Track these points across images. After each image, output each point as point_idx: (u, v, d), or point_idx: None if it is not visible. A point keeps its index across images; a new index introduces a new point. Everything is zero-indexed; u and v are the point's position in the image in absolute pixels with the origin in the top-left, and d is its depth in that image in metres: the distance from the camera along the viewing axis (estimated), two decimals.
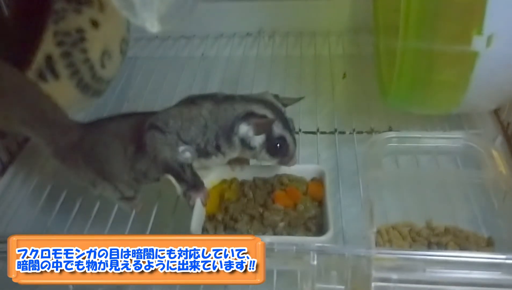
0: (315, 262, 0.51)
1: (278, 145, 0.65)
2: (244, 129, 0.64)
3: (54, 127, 0.70)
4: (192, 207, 0.66)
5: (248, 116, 0.64)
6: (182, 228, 0.66)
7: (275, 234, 0.64)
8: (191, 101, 0.67)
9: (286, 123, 0.66)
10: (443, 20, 0.64)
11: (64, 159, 0.70)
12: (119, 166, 0.68)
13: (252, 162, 0.72)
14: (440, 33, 0.65)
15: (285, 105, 0.68)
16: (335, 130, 0.86)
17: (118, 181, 0.69)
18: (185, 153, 0.65)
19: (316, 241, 0.61)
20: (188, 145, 0.65)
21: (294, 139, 0.66)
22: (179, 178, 0.66)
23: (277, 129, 0.65)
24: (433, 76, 0.68)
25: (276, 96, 0.68)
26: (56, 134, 0.70)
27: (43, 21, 0.77)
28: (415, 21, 0.65)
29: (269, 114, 0.64)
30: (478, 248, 0.61)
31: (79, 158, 0.69)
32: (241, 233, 0.64)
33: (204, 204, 0.68)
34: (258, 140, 0.65)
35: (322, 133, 0.86)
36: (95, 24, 0.82)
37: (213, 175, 0.71)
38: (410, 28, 0.65)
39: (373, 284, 0.50)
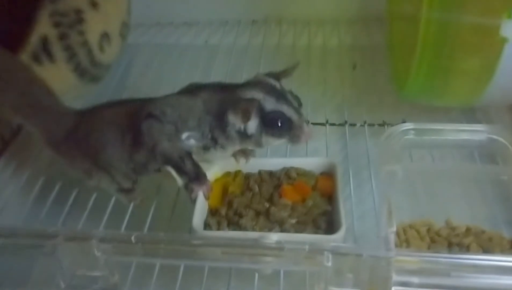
0: (330, 263, 0.47)
1: (277, 122, 0.60)
2: (232, 118, 0.60)
3: (48, 114, 0.67)
4: (193, 201, 0.64)
5: (234, 104, 0.59)
6: (183, 223, 0.63)
7: (282, 231, 0.61)
8: (190, 90, 0.64)
9: (281, 96, 0.60)
10: (470, 2, 0.60)
11: (58, 148, 0.68)
12: (116, 154, 0.64)
13: (258, 154, 0.69)
14: (466, 17, 0.61)
15: (277, 79, 0.63)
16: (345, 122, 0.83)
17: (115, 170, 0.66)
18: (190, 140, 0.62)
19: (327, 240, 0.58)
20: (191, 132, 0.61)
21: (297, 110, 0.61)
22: (180, 170, 0.63)
23: (269, 105, 0.59)
24: (456, 64, 0.65)
25: (269, 74, 0.63)
26: (50, 121, 0.67)
27: (38, 0, 0.73)
28: (439, 4, 0.61)
29: (256, 94, 0.59)
30: (502, 250, 0.57)
31: (74, 146, 0.66)
32: (246, 229, 0.61)
33: (207, 197, 0.64)
34: (252, 125, 0.60)
35: (332, 125, 0.83)
36: (94, 4, 0.79)
37: (216, 167, 0.68)
38: (434, 12, 0.61)
39: (393, 288, 0.46)
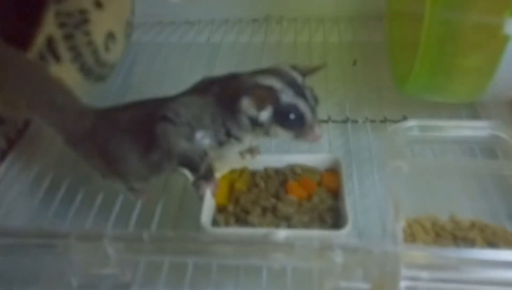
0: (340, 259, 0.48)
1: (290, 115, 0.58)
2: (245, 103, 0.58)
3: (65, 112, 0.66)
4: (201, 198, 0.64)
5: (249, 89, 0.58)
6: (190, 220, 0.64)
7: (289, 227, 0.61)
8: (203, 86, 0.63)
9: (300, 91, 0.59)
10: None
11: (76, 147, 0.67)
12: (133, 161, 0.64)
13: (263, 150, 0.69)
14: (469, 14, 0.62)
15: (303, 75, 0.61)
16: (347, 118, 0.84)
17: (130, 175, 0.66)
18: (204, 139, 0.61)
19: (335, 235, 0.58)
20: (206, 131, 0.61)
21: (312, 108, 0.59)
22: (194, 169, 0.63)
23: (286, 97, 0.58)
24: (458, 61, 0.65)
25: (294, 67, 0.62)
26: (67, 120, 0.66)
27: (44, 1, 0.73)
28: (443, 1, 0.62)
29: (276, 83, 0.58)
30: (506, 243, 0.58)
31: (92, 147, 0.66)
32: (253, 225, 0.62)
33: (214, 195, 0.65)
34: (265, 113, 0.58)
35: (334, 121, 0.84)
36: (99, 5, 0.79)
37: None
38: (437, 10, 0.62)
39: (402, 282, 0.46)
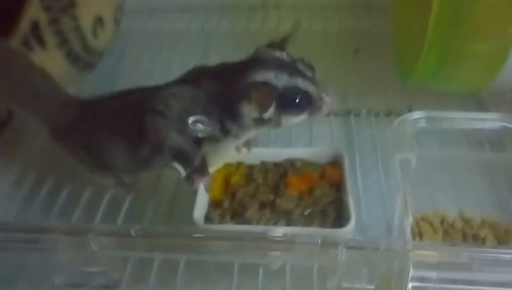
0: (343, 257, 0.45)
1: (295, 99, 0.55)
2: (247, 109, 0.55)
3: (49, 103, 0.64)
4: (195, 192, 0.61)
5: (246, 93, 0.55)
6: (183, 217, 0.62)
7: (290, 222, 0.59)
8: (194, 77, 0.60)
9: (293, 69, 0.55)
10: None
11: (61, 139, 0.65)
12: (121, 153, 0.61)
13: (260, 143, 0.67)
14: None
15: (282, 49, 0.58)
16: (350, 110, 0.81)
17: (119, 168, 0.64)
18: (196, 125, 0.57)
19: (337, 233, 0.56)
20: (200, 116, 0.57)
21: (312, 80, 0.56)
22: (186, 164, 0.59)
23: (282, 82, 0.54)
24: (468, 48, 0.63)
25: (271, 45, 0.58)
26: (51, 111, 0.64)
27: None
28: None
29: (267, 74, 0.54)
30: None
31: (78, 140, 0.63)
32: (251, 222, 0.59)
33: (207, 190, 0.61)
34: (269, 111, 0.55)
35: (336, 114, 0.81)
36: None
37: None
38: None
39: (410, 284, 0.43)
